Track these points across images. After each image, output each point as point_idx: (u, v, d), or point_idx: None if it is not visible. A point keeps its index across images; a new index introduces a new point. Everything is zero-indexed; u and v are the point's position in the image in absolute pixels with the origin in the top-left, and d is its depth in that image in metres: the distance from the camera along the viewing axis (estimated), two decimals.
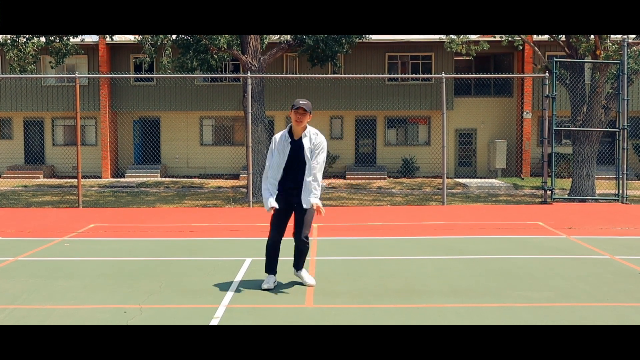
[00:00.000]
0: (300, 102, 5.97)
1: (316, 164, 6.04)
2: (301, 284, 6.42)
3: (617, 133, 14.00)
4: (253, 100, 16.08)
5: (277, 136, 6.11)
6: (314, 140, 6.07)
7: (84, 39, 21.50)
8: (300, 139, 6.04)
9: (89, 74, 26.33)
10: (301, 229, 6.13)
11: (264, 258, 6.32)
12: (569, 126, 17.19)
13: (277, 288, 6.23)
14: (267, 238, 6.25)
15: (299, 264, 6.40)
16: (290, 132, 6.07)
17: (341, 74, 25.24)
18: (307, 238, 6.18)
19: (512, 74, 27.40)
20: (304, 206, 6.04)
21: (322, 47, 18.00)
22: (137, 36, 20.17)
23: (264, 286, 6.20)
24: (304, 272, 6.42)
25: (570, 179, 17.07)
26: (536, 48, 18.49)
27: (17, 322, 5.20)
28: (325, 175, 26.60)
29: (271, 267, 6.28)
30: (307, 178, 6.03)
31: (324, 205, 6.29)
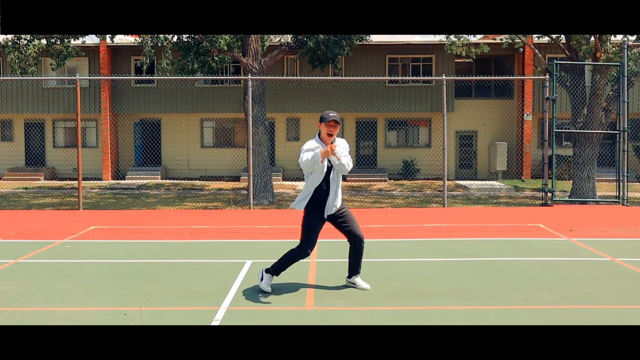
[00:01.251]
0: (331, 114, 5.92)
1: (346, 159, 6.02)
2: (302, 286, 6.42)
3: (617, 135, 13.99)
4: (254, 102, 16.08)
5: (311, 144, 5.99)
6: (341, 144, 6.04)
7: (84, 41, 21.50)
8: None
9: (89, 76, 26.34)
10: (353, 231, 6.13)
11: (272, 260, 6.29)
12: (569, 128, 17.18)
13: (278, 291, 6.23)
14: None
15: (356, 268, 6.32)
16: (320, 140, 6.02)
17: (342, 76, 25.25)
18: (362, 237, 6.20)
19: (513, 76, 27.40)
20: (332, 212, 6.03)
21: (322, 49, 18.01)
22: (137, 38, 20.18)
23: (267, 289, 6.17)
24: (359, 279, 6.38)
25: (571, 181, 17.07)
26: (536, 50, 18.49)
27: (17, 325, 5.19)
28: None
29: (280, 272, 6.23)
30: (335, 191, 6.03)
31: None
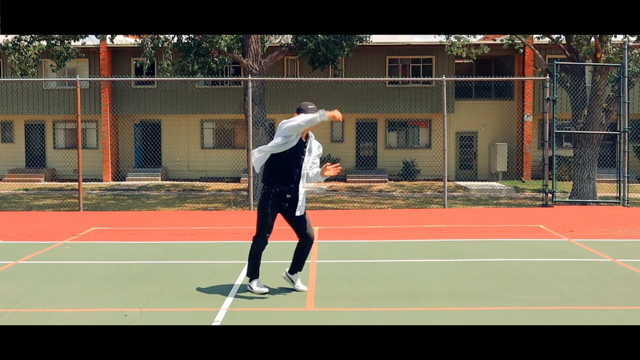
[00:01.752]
0: (310, 106, 5.92)
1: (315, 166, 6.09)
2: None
3: (618, 136, 13.98)
4: (254, 103, 16.08)
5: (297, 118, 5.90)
6: (318, 148, 6.06)
7: (84, 43, 21.50)
8: (306, 141, 5.99)
9: (90, 77, 26.35)
10: (306, 230, 6.07)
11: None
12: (569, 129, 17.18)
13: (278, 291, 6.22)
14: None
15: (299, 265, 6.25)
16: None
17: (342, 77, 25.24)
18: (313, 237, 6.14)
19: (513, 76, 27.40)
20: (297, 214, 5.97)
21: (322, 50, 18.00)
22: (137, 39, 20.17)
23: (263, 290, 6.14)
24: (299, 279, 6.30)
25: (571, 182, 17.06)
26: (537, 51, 18.49)
27: (18, 325, 5.18)
28: (326, 179, 26.58)
29: (258, 271, 6.21)
30: (302, 187, 5.97)
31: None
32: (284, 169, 5.93)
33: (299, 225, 6.07)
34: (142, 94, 27.28)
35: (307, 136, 5.99)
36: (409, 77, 27.02)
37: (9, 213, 13.79)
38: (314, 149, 6.05)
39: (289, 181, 5.96)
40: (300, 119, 5.73)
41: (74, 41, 19.20)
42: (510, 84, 27.99)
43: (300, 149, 5.94)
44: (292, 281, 6.31)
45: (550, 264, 7.47)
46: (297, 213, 5.97)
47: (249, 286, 6.20)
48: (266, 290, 6.15)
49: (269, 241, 6.12)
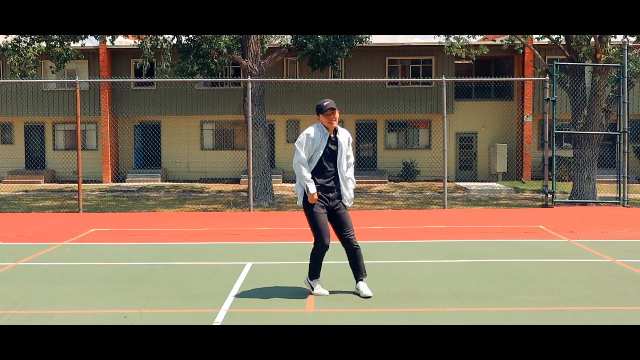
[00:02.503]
0: (325, 103, 5.92)
1: (352, 160, 6.10)
2: (302, 288, 6.39)
3: (617, 136, 13.98)
4: (253, 104, 16.08)
5: (310, 133, 5.91)
6: (346, 135, 6.07)
7: (84, 44, 21.49)
8: (336, 135, 6.00)
9: (89, 78, 26.34)
10: (350, 231, 6.04)
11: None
12: (569, 129, 17.18)
13: (278, 293, 6.22)
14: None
15: (360, 272, 6.12)
16: (322, 127, 5.96)
17: (342, 78, 25.23)
18: (356, 240, 6.10)
19: (513, 77, 27.41)
20: (347, 203, 6.02)
21: (322, 51, 18.00)
22: (137, 40, 20.17)
23: (323, 292, 6.09)
24: (362, 285, 6.13)
25: (571, 182, 17.06)
26: (536, 52, 18.50)
27: (18, 325, 5.17)
28: None
29: (319, 272, 6.15)
30: (346, 174, 6.02)
31: None
32: (319, 165, 5.94)
33: (343, 226, 6.02)
34: (141, 95, 27.28)
35: (335, 130, 5.99)
36: (409, 77, 27.01)
37: (8, 214, 13.78)
38: (345, 141, 6.03)
39: (332, 176, 5.97)
40: (302, 176, 5.85)
41: (74, 42, 19.19)
42: (510, 85, 27.99)
43: (336, 142, 5.96)
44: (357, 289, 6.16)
45: (550, 265, 7.47)
46: (346, 203, 6.00)
47: (310, 284, 6.14)
48: (326, 293, 6.10)
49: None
